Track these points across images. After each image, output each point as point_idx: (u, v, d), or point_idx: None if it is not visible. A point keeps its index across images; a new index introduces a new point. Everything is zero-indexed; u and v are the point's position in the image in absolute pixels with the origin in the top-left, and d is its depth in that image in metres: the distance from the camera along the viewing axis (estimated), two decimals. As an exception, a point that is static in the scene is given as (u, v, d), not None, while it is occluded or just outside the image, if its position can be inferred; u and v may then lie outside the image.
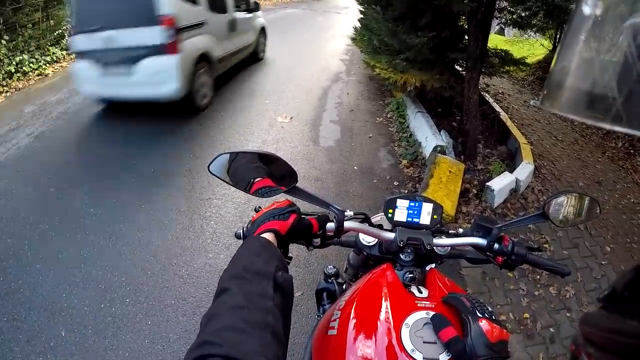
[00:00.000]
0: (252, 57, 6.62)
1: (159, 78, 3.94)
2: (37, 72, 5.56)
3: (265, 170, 0.85)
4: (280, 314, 0.56)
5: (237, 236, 0.81)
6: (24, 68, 5.37)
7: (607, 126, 0.27)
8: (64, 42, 6.28)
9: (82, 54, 4.15)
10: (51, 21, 6.04)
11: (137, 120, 4.31)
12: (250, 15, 6.15)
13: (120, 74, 3.98)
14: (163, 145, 3.90)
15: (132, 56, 3.91)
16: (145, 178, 3.34)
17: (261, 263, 0.63)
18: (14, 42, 5.30)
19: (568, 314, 2.49)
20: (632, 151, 5.07)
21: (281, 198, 0.85)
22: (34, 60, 5.59)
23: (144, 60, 3.91)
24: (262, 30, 6.91)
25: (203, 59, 4.42)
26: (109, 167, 3.45)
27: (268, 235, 0.73)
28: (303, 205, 0.84)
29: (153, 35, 3.81)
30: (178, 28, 3.91)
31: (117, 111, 4.52)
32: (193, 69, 4.20)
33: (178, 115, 4.41)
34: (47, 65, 5.81)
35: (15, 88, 5.11)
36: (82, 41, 4.06)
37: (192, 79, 4.21)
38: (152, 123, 4.29)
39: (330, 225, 0.86)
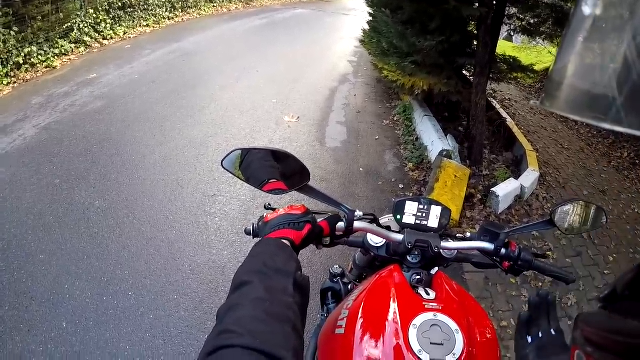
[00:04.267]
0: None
1: None
2: (45, 64, 5.57)
3: (278, 169, 0.85)
4: (299, 312, 0.57)
5: (247, 232, 0.81)
6: (32, 60, 5.38)
7: (607, 126, 0.27)
8: (72, 35, 6.30)
9: None
10: (61, 14, 6.04)
11: (142, 118, 4.33)
12: None
13: None
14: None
15: None
16: (150, 170, 3.35)
17: (281, 262, 0.63)
18: (23, 34, 5.30)
19: (569, 322, 2.48)
20: (637, 161, 5.04)
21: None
22: (42, 52, 5.60)
23: None
24: None
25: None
26: (115, 159, 3.46)
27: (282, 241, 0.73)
28: (311, 203, 0.84)
29: None
30: None
31: (121, 106, 4.54)
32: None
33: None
34: (56, 57, 5.81)
35: (23, 79, 5.13)
36: None
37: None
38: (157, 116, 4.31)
39: (340, 224, 0.87)
